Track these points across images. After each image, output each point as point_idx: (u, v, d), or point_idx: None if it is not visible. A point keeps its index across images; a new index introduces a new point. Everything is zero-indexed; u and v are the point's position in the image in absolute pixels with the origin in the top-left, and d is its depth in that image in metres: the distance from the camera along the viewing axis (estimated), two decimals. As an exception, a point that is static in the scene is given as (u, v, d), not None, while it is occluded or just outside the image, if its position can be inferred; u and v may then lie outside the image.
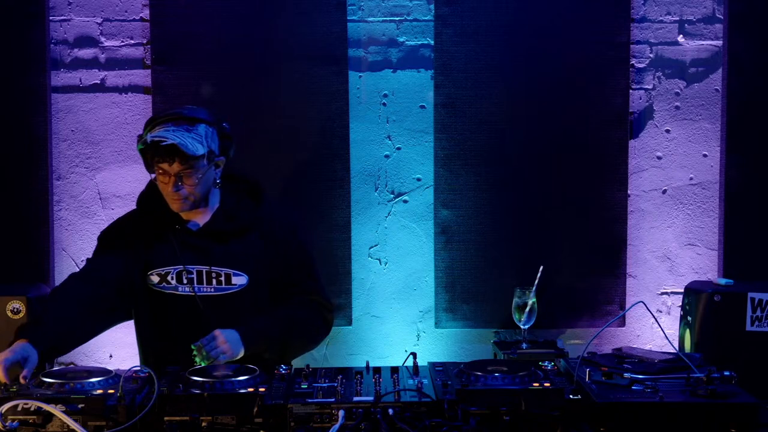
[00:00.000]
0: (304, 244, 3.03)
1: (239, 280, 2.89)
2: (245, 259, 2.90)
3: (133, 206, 3.45)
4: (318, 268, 3.06)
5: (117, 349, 3.67)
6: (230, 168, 2.95)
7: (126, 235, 2.94)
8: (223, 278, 2.89)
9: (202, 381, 2.37)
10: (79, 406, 2.26)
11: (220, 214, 2.92)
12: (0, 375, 2.44)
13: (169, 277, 2.89)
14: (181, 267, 2.87)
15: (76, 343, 2.84)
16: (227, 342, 2.72)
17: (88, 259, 2.99)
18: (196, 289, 2.87)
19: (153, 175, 2.86)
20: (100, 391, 2.35)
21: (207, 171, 2.82)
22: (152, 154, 2.75)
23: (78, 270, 3.00)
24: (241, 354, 2.75)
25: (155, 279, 2.89)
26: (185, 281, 2.88)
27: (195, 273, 2.88)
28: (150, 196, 2.93)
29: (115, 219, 3.06)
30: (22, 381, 2.43)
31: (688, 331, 3.34)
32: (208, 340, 2.70)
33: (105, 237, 3.00)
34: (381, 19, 3.72)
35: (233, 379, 2.40)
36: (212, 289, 2.89)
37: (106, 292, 2.86)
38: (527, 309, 3.38)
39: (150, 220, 2.92)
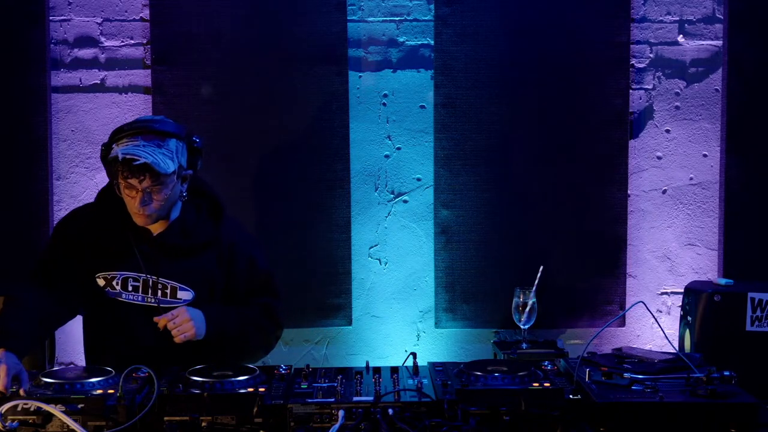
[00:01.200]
0: (260, 264, 2.96)
1: (185, 294, 2.84)
2: (194, 276, 2.85)
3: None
4: (278, 285, 3.00)
5: (117, 349, 3.67)
6: (195, 180, 2.88)
7: (77, 233, 2.87)
8: (168, 291, 2.83)
9: (202, 381, 2.37)
10: (79, 406, 2.26)
11: (177, 226, 2.85)
12: (3, 383, 2.41)
13: (114, 282, 2.83)
14: (128, 273, 2.81)
15: (39, 344, 2.94)
16: (192, 320, 2.71)
17: (39, 261, 2.91)
18: (149, 299, 2.82)
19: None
20: (100, 391, 2.35)
21: (174, 187, 2.76)
22: (122, 168, 2.68)
23: (32, 270, 2.92)
24: (202, 336, 2.74)
25: (101, 282, 2.84)
26: (130, 288, 2.82)
27: (141, 281, 2.82)
28: (110, 193, 2.84)
29: (72, 210, 2.99)
30: (21, 393, 2.39)
31: (688, 331, 3.34)
32: (173, 316, 2.69)
33: (58, 233, 2.92)
34: (381, 19, 3.72)
35: (233, 379, 2.40)
36: (155, 300, 2.83)
37: (59, 295, 2.83)
38: (527, 309, 3.38)
39: (106, 219, 2.85)
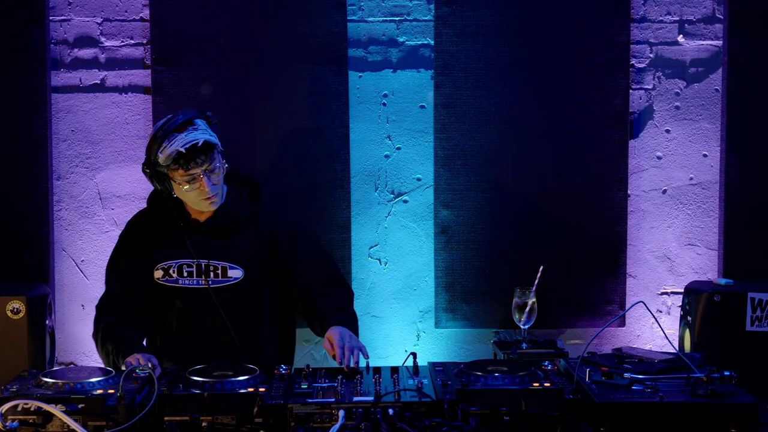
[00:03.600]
0: (307, 237, 3.21)
1: (235, 273, 3.04)
2: (241, 254, 3.05)
3: (133, 206, 3.48)
4: (331, 257, 3.26)
5: (117, 349, 3.67)
6: (234, 168, 3.07)
7: (136, 236, 3.11)
8: (220, 271, 3.03)
9: (202, 381, 2.38)
10: (79, 406, 2.26)
11: (222, 210, 3.05)
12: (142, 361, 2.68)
13: (171, 271, 3.04)
14: (182, 260, 3.02)
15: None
16: (352, 338, 2.87)
17: (108, 280, 3.13)
18: (205, 281, 3.02)
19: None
20: (100, 391, 2.35)
21: (221, 161, 2.98)
22: (183, 162, 2.87)
23: (102, 295, 3.17)
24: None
25: (159, 273, 3.05)
26: (185, 274, 3.03)
27: (195, 266, 3.02)
28: (159, 196, 3.06)
29: (129, 220, 3.20)
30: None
31: (688, 331, 3.34)
32: (344, 340, 2.80)
33: (119, 246, 3.15)
34: (381, 19, 3.72)
35: (233, 379, 2.40)
36: (210, 282, 3.03)
37: (134, 308, 3.08)
38: (527, 309, 3.38)
39: (158, 218, 3.08)
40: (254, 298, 3.08)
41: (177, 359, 2.95)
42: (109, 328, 3.02)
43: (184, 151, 2.85)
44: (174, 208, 3.03)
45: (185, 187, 2.93)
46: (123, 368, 2.74)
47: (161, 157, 2.88)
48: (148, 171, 2.95)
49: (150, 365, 2.63)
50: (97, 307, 3.13)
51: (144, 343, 3.13)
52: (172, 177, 2.93)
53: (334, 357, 2.78)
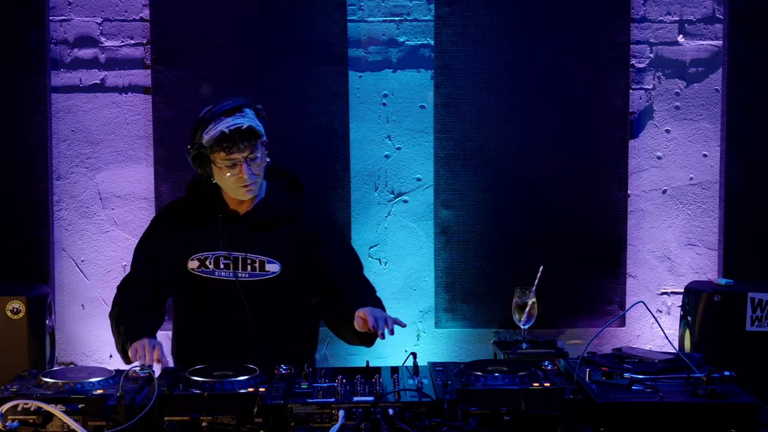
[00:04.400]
0: (342, 236, 3.28)
1: (272, 267, 3.03)
2: (279, 248, 3.04)
3: (133, 206, 3.46)
4: (358, 256, 3.23)
5: (117, 349, 3.67)
6: (273, 162, 3.07)
7: (170, 224, 3.09)
8: (257, 264, 3.02)
9: (202, 381, 2.37)
10: (79, 406, 2.26)
11: (262, 205, 3.06)
12: (155, 354, 2.65)
13: (207, 262, 3.02)
14: (219, 252, 3.01)
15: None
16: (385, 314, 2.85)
17: (135, 261, 3.12)
18: (235, 274, 3.01)
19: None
20: (100, 391, 2.35)
21: (264, 152, 2.98)
22: (225, 145, 2.88)
23: (125, 276, 3.15)
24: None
25: (194, 264, 3.03)
26: (222, 266, 3.01)
27: (231, 259, 3.01)
28: (197, 185, 3.07)
29: (161, 209, 3.22)
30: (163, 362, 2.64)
31: (688, 331, 3.34)
32: (378, 315, 2.78)
33: (149, 233, 3.13)
34: (381, 19, 3.72)
35: (233, 379, 2.40)
36: (247, 275, 3.02)
37: (155, 293, 3.06)
38: (527, 309, 3.38)
39: (196, 208, 3.07)
40: (289, 293, 3.06)
41: (203, 350, 2.97)
42: (125, 309, 2.98)
43: (227, 132, 2.86)
44: (212, 198, 3.03)
45: (226, 173, 2.92)
46: (129, 353, 2.74)
47: (205, 138, 2.88)
48: (191, 151, 2.95)
49: (155, 353, 2.63)
50: (119, 287, 3.10)
51: (157, 329, 3.05)
52: (213, 160, 2.92)
53: (367, 331, 2.76)
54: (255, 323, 3.00)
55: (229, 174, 2.92)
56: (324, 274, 3.08)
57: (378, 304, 3.02)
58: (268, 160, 3.01)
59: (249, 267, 3.02)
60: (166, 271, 3.05)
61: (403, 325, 2.76)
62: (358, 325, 2.82)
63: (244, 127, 2.87)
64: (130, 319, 2.93)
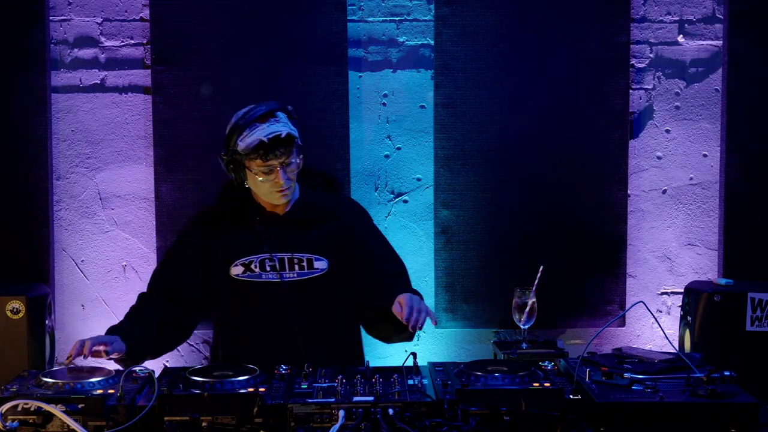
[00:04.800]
0: (378, 230, 3.25)
1: (320, 264, 3.02)
2: (325, 245, 3.04)
3: (133, 206, 3.44)
4: (394, 249, 3.22)
5: (117, 349, 3.67)
6: (306, 163, 3.06)
7: (205, 232, 3.06)
8: (305, 263, 3.01)
9: (202, 381, 2.37)
10: (79, 406, 2.26)
11: (299, 205, 3.06)
12: (85, 349, 2.60)
13: (252, 266, 3.00)
14: (264, 255, 2.99)
15: (153, 355, 2.99)
16: (422, 303, 2.82)
17: (157, 273, 3.10)
18: (282, 275, 2.99)
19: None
20: (100, 391, 2.35)
21: (300, 156, 2.98)
22: (262, 153, 2.87)
23: (150, 281, 3.12)
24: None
25: (239, 270, 3.01)
26: (268, 268, 3.00)
27: (277, 260, 2.99)
28: (230, 191, 3.07)
29: (194, 216, 3.18)
30: (103, 356, 2.62)
31: (688, 331, 3.34)
32: (414, 303, 2.75)
33: (182, 241, 3.12)
34: (381, 19, 3.72)
35: (233, 379, 2.40)
36: (295, 274, 3.01)
37: (180, 308, 3.02)
38: (527, 309, 3.38)
39: (231, 214, 3.05)
40: (339, 289, 3.05)
41: (250, 353, 2.93)
42: (127, 315, 2.99)
43: (266, 141, 2.85)
44: (248, 201, 3.03)
45: (260, 178, 2.92)
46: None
47: (241, 146, 2.88)
48: (224, 158, 2.95)
49: (84, 348, 2.60)
50: (139, 297, 3.09)
51: (155, 337, 3.01)
52: (248, 166, 2.92)
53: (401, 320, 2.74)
54: (304, 323, 2.98)
55: (263, 179, 2.92)
56: (365, 272, 3.07)
57: (416, 293, 2.98)
58: (302, 161, 3.01)
59: (296, 266, 3.01)
60: (204, 279, 3.02)
61: (435, 323, 2.78)
62: (395, 310, 2.79)
63: (283, 135, 2.88)
64: (121, 322, 2.94)
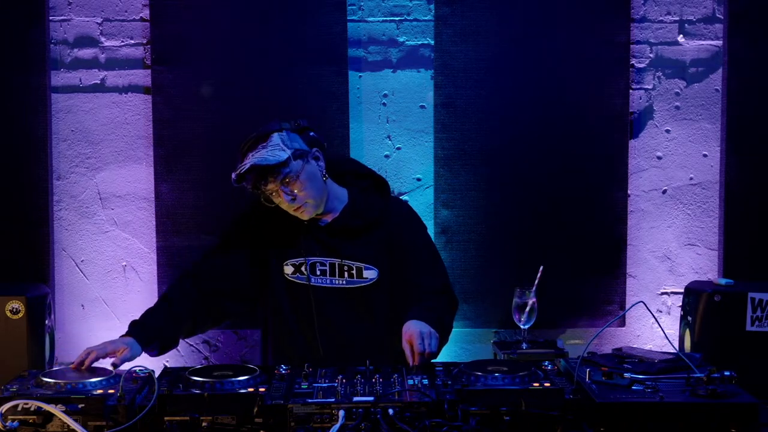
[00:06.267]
0: (428, 237, 3.20)
1: (370, 273, 3.00)
2: (375, 253, 3.01)
3: (133, 206, 3.43)
4: (442, 262, 3.18)
5: (117, 349, 3.67)
6: (352, 163, 3.05)
7: (259, 226, 3.04)
8: (354, 271, 2.99)
9: (202, 381, 2.38)
10: (79, 406, 2.26)
11: (348, 210, 3.03)
12: (87, 361, 2.59)
13: (303, 268, 2.99)
14: (314, 258, 2.97)
15: (185, 336, 3.04)
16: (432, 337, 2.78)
17: (207, 254, 3.10)
18: (310, 278, 2.97)
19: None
20: (100, 391, 2.35)
21: (306, 169, 2.90)
22: (253, 184, 2.87)
23: (190, 268, 3.12)
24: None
25: (290, 270, 3.01)
26: (318, 272, 2.98)
27: (328, 265, 2.98)
28: None
29: (246, 209, 3.13)
30: (111, 367, 2.59)
31: (688, 331, 3.34)
32: (424, 338, 2.72)
33: (234, 231, 3.10)
34: (381, 19, 3.72)
35: (233, 379, 2.40)
36: (344, 282, 2.99)
37: (222, 292, 3.01)
38: (527, 309, 3.38)
39: (280, 216, 3.01)
40: (389, 299, 3.02)
41: (299, 353, 2.93)
42: (155, 305, 2.98)
43: (241, 175, 2.84)
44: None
45: (273, 199, 2.91)
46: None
47: (234, 177, 2.87)
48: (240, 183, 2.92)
49: (89, 358, 2.59)
50: (182, 273, 3.08)
51: (184, 323, 3.00)
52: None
53: (407, 355, 2.72)
54: (352, 330, 2.98)
55: (276, 203, 2.92)
56: (408, 281, 3.04)
57: (434, 315, 2.89)
58: (322, 165, 2.96)
59: (346, 274, 2.99)
60: (253, 269, 3.02)
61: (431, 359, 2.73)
62: (405, 347, 2.75)
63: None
64: (146, 313, 2.92)
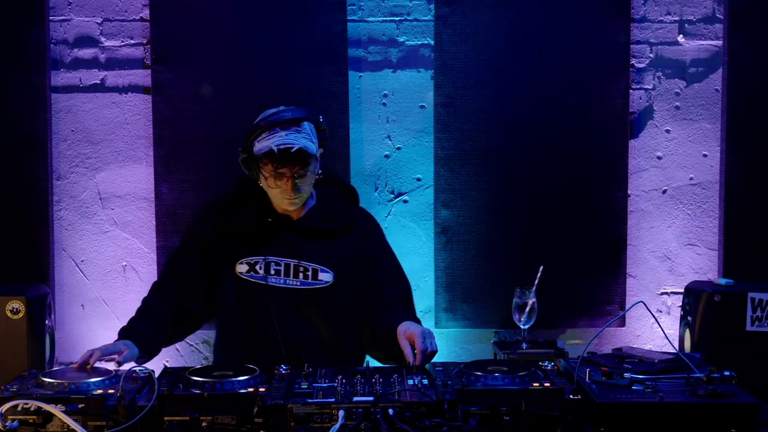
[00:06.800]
0: (390, 247, 3.16)
1: (325, 276, 2.97)
2: (333, 257, 2.98)
3: (133, 206, 3.43)
4: (405, 274, 3.15)
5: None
6: (324, 169, 3.00)
7: (215, 225, 3.00)
8: (310, 273, 2.96)
9: (202, 381, 2.37)
10: (79, 406, 2.26)
11: (316, 211, 3.01)
12: (92, 360, 2.56)
13: (257, 267, 2.95)
14: (270, 258, 2.94)
15: (166, 345, 2.98)
16: (432, 340, 2.76)
17: (169, 260, 3.06)
18: (267, 278, 2.94)
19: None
20: (100, 391, 2.35)
21: (315, 167, 2.92)
22: (273, 160, 2.83)
23: (158, 277, 3.12)
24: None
25: (244, 268, 2.96)
26: (273, 272, 2.95)
27: (283, 265, 2.95)
28: (246, 184, 3.00)
29: (204, 208, 3.09)
30: (115, 365, 2.59)
31: (688, 331, 3.34)
32: (425, 336, 2.72)
33: (192, 232, 3.06)
34: (381, 19, 3.72)
35: (233, 379, 2.40)
36: (299, 283, 2.96)
37: (190, 297, 2.97)
38: (527, 309, 3.38)
39: (246, 208, 2.99)
40: (341, 304, 3.00)
41: (250, 356, 2.88)
42: (135, 314, 2.94)
43: (276, 151, 2.80)
44: (262, 199, 2.97)
45: (270, 182, 2.88)
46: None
47: (256, 147, 2.84)
48: (241, 154, 2.90)
49: (93, 357, 2.58)
50: (153, 285, 3.04)
51: (168, 331, 2.97)
52: (261, 168, 2.88)
53: (407, 353, 2.71)
54: (301, 332, 2.95)
55: (274, 185, 2.89)
56: (373, 291, 3.02)
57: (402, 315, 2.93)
58: (320, 172, 2.96)
59: (301, 275, 2.96)
60: (213, 273, 2.98)
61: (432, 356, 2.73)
62: (403, 344, 2.74)
63: (293, 150, 2.80)
64: (128, 325, 2.90)
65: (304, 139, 2.84)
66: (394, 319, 2.87)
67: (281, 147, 2.80)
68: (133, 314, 2.94)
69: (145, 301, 2.99)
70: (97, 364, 2.59)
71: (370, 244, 3.06)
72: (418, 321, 2.95)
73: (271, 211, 2.99)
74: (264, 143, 2.83)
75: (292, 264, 2.95)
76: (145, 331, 2.86)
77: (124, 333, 2.82)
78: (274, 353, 2.88)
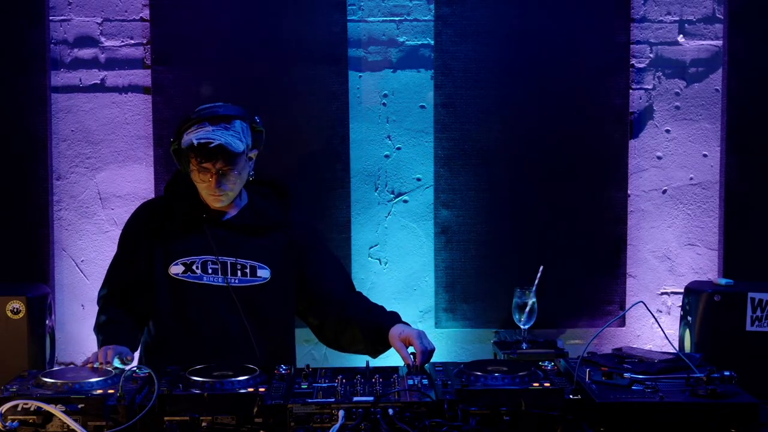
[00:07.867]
0: (326, 244, 3.17)
1: (263, 272, 2.95)
2: (269, 254, 2.97)
3: (133, 206, 3.42)
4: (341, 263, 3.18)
5: (117, 349, 3.67)
6: (259, 171, 2.98)
7: (147, 226, 2.97)
8: (248, 270, 2.95)
9: (202, 381, 2.37)
10: (79, 406, 2.26)
11: (248, 209, 2.99)
12: (109, 355, 2.62)
13: (194, 267, 2.93)
14: (208, 257, 2.92)
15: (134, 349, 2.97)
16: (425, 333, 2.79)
17: (112, 267, 3.03)
18: (225, 279, 2.92)
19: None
20: (100, 391, 2.34)
21: (243, 167, 2.89)
22: (195, 154, 2.82)
23: (102, 286, 3.04)
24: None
25: (179, 269, 2.93)
26: (210, 271, 2.92)
27: (220, 264, 2.92)
28: (177, 185, 2.98)
29: (136, 209, 3.07)
30: (127, 360, 2.62)
31: (688, 331, 3.34)
32: (422, 337, 2.74)
33: (125, 235, 3.03)
34: (381, 19, 3.72)
35: (233, 379, 2.40)
36: (236, 280, 2.94)
37: (136, 302, 2.96)
38: (527, 309, 3.38)
39: (176, 210, 2.96)
40: (279, 300, 2.99)
41: (185, 357, 2.80)
42: (105, 320, 2.93)
43: (195, 144, 2.78)
44: (194, 198, 2.93)
45: (196, 176, 2.86)
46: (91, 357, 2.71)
47: (184, 138, 2.82)
48: (173, 144, 2.88)
49: (109, 355, 2.59)
50: (100, 298, 3.01)
51: (137, 338, 2.99)
52: (189, 161, 2.86)
53: (404, 356, 2.72)
54: (239, 329, 2.92)
55: (198, 180, 2.86)
56: (316, 287, 3.03)
57: (384, 313, 2.98)
58: (252, 173, 2.94)
59: (239, 272, 2.94)
60: (146, 275, 2.93)
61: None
62: (397, 346, 2.77)
63: (212, 146, 2.77)
64: (107, 330, 2.90)
65: (231, 136, 2.80)
66: (384, 322, 2.89)
67: (201, 141, 2.77)
68: (101, 322, 2.95)
69: (101, 314, 2.98)
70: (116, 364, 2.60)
71: (302, 241, 3.04)
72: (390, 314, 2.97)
73: (204, 210, 2.94)
74: (190, 135, 2.80)
75: (229, 262, 2.93)
76: (126, 337, 2.87)
77: (110, 339, 2.82)
78: (207, 353, 2.83)
